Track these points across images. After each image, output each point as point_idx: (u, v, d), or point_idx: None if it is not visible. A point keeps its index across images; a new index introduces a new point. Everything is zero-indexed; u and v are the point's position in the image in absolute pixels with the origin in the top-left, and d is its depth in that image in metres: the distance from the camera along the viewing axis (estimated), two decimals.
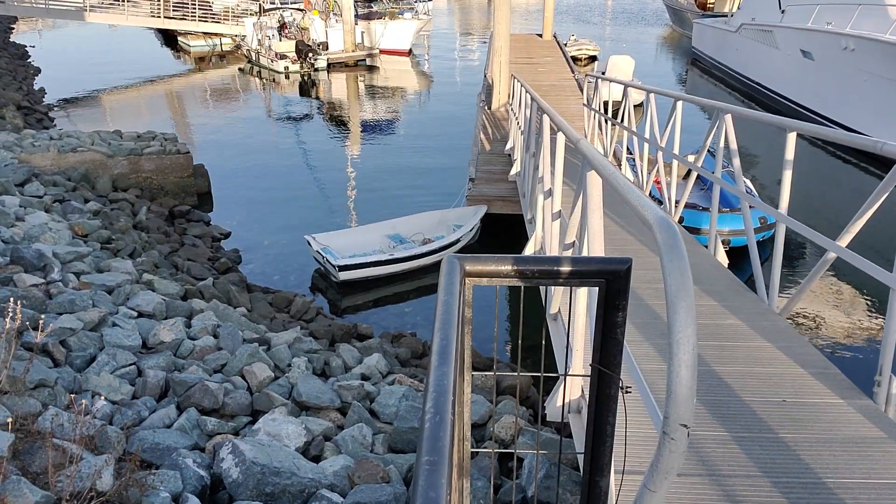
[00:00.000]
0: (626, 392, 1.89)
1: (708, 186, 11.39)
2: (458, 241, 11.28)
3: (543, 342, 2.32)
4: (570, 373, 3.61)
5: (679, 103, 7.83)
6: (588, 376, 1.89)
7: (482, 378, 7.07)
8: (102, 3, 33.63)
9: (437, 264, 11.07)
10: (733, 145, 5.98)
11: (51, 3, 30.75)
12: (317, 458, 4.91)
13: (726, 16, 31.23)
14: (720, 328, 4.65)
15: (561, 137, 5.10)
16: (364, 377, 6.44)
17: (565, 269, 1.76)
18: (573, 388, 3.74)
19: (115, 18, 32.34)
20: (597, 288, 1.79)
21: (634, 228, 7.12)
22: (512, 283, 1.79)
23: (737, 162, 5.93)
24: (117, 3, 32.72)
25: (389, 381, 6.53)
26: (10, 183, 10.30)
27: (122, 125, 16.71)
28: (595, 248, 3.24)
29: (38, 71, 27.67)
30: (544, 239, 6.16)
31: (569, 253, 4.34)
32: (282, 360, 6.34)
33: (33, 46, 33.50)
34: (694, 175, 8.63)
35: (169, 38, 37.02)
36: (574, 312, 3.49)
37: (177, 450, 4.43)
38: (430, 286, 10.80)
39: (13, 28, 38.61)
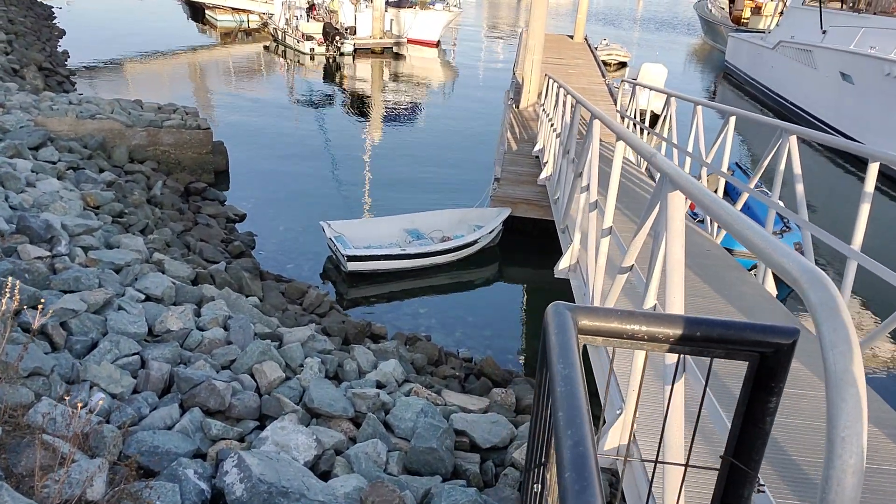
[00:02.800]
0: (759, 492, 1.50)
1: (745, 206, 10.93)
2: (475, 242, 10.89)
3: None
4: (647, 457, 3.18)
5: (731, 119, 7.38)
6: (715, 469, 1.49)
7: (502, 394, 6.67)
8: None
9: (452, 263, 10.77)
10: (797, 169, 5.55)
11: None
12: (326, 475, 4.53)
13: (762, 31, 30.63)
14: (791, 373, 4.22)
15: (620, 146, 4.68)
16: (379, 385, 6.05)
17: (710, 334, 1.36)
18: (624, 432, 3.34)
19: None
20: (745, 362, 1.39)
21: (704, 259, 6.50)
22: (636, 346, 1.39)
23: (800, 188, 5.49)
24: None
25: (405, 390, 6.14)
26: (24, 146, 9.95)
27: (144, 95, 16.34)
28: (674, 281, 2.83)
29: (62, 33, 27.37)
30: (584, 256, 5.75)
31: (623, 279, 3.92)
32: (294, 360, 5.96)
33: (59, 8, 33.21)
34: (721, 191, 8.21)
35: (196, 11, 36.69)
36: (633, 373, 3.07)
37: (177, 456, 4.05)
38: (445, 286, 10.44)
39: None
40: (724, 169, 7.58)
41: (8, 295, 3.96)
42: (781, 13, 29.62)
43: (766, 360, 1.37)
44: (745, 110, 7.44)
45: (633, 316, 1.36)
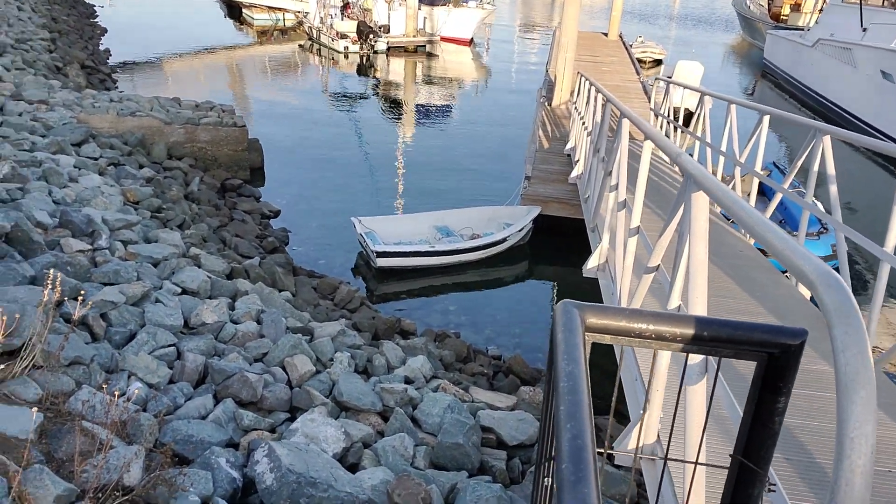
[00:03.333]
0: (770, 491, 1.53)
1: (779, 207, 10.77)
2: (504, 240, 10.92)
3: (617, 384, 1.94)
4: (673, 456, 3.20)
5: (765, 118, 7.28)
6: (725, 468, 1.52)
7: (530, 392, 6.71)
8: None
9: (481, 261, 10.82)
10: (831, 170, 5.47)
11: None
12: (354, 467, 4.62)
13: (801, 29, 30.01)
14: (809, 374, 4.19)
15: (647, 146, 4.68)
16: (408, 380, 6.14)
17: (718, 334, 1.39)
18: (648, 433, 3.36)
19: None
20: (754, 362, 1.42)
21: (736, 260, 6.45)
22: (644, 345, 1.43)
23: (834, 189, 5.41)
24: None
25: (433, 386, 6.21)
26: (67, 142, 10.26)
27: (182, 93, 16.69)
28: (697, 282, 2.84)
29: (104, 31, 28.02)
30: (612, 255, 5.75)
31: (649, 280, 3.93)
32: (324, 354, 6.07)
33: (101, 7, 34.00)
34: (755, 191, 8.09)
35: (233, 10, 37.24)
36: (655, 372, 3.08)
37: (210, 445, 4.18)
38: (474, 283, 10.50)
39: None
40: (759, 168, 7.49)
41: (50, 286, 4.12)
42: (821, 10, 29.01)
43: (775, 361, 1.40)
44: (781, 109, 7.34)
45: (641, 315, 1.40)
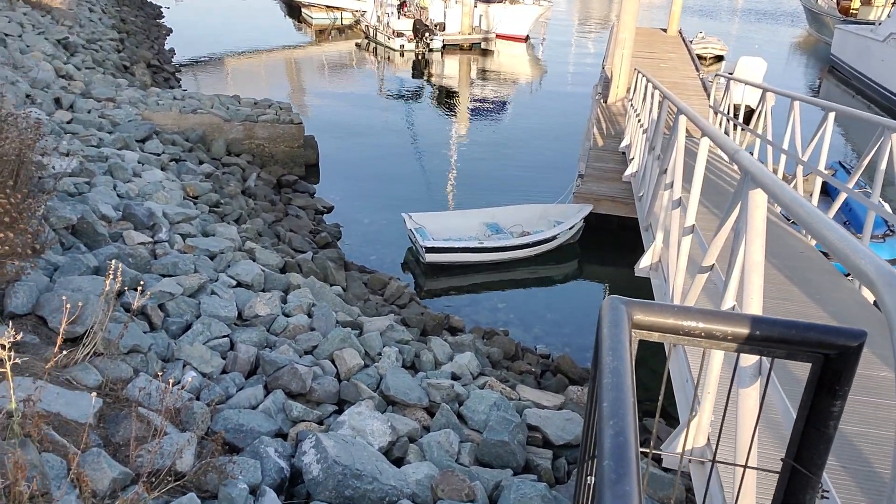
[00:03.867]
0: (824, 498, 1.46)
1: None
2: (554, 238, 10.81)
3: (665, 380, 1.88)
4: (717, 458, 3.12)
5: (831, 115, 7.00)
6: (776, 472, 1.46)
7: (578, 392, 6.62)
8: None
9: (531, 259, 10.74)
10: None
11: None
12: (400, 461, 4.64)
13: (872, 23, 28.75)
14: (872, 381, 4.00)
15: (704, 143, 4.55)
16: (454, 376, 6.13)
17: (770, 333, 1.33)
18: (699, 436, 3.27)
19: None
20: (808, 364, 1.35)
21: (795, 261, 6.21)
22: (693, 343, 1.38)
23: None
24: None
25: (480, 383, 6.19)
26: (132, 139, 10.62)
27: (241, 91, 17.08)
28: (752, 282, 2.75)
29: (169, 31, 28.90)
30: (666, 254, 5.62)
31: (703, 280, 3.82)
32: (372, 348, 6.12)
33: (168, 7, 35.06)
34: (818, 190, 7.77)
35: (293, 9, 37.92)
36: (706, 373, 3.00)
37: (260, 435, 4.27)
38: (524, 281, 10.44)
39: None
40: (822, 167, 7.21)
41: (112, 277, 4.26)
42: (894, 3, 27.75)
43: (831, 363, 1.34)
44: (847, 106, 7.04)
45: (690, 312, 1.35)
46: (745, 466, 1.50)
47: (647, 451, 1.59)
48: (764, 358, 2.70)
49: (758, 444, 2.59)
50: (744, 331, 1.34)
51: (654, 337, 1.39)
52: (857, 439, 3.37)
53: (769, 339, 1.34)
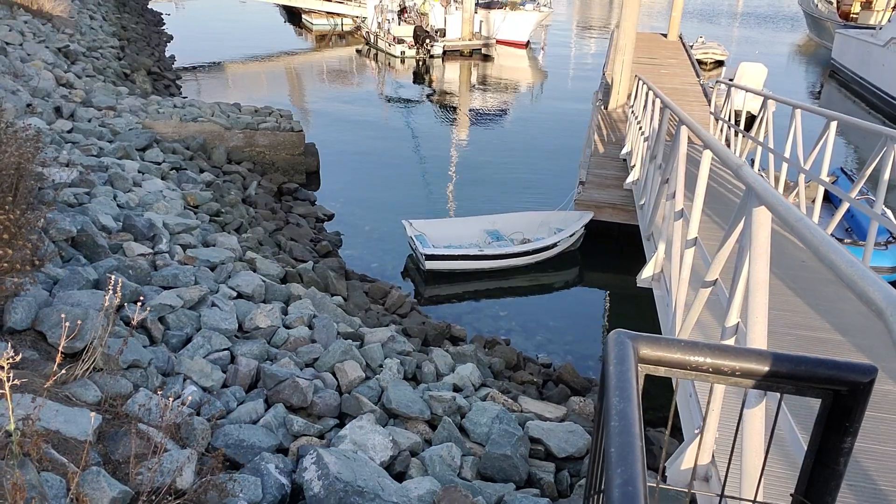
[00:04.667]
0: None
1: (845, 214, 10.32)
2: (554, 245, 10.80)
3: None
4: (730, 488, 3.08)
5: (832, 124, 6.98)
6: None
7: (580, 403, 6.59)
8: None
9: (532, 266, 10.72)
10: None
11: None
12: (401, 476, 4.61)
13: (873, 27, 28.77)
14: (876, 396, 3.97)
15: (706, 155, 4.53)
16: (456, 388, 6.11)
17: (779, 369, 1.31)
18: (703, 454, 3.24)
19: None
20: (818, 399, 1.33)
21: (798, 271, 6.18)
22: (701, 378, 1.36)
23: None
24: None
25: (482, 395, 6.16)
26: (132, 147, 10.61)
27: (242, 98, 17.09)
28: (757, 301, 2.72)
29: (170, 38, 28.94)
30: (668, 266, 5.60)
31: (706, 294, 3.79)
32: (374, 360, 6.10)
33: (168, 14, 35.13)
34: (820, 198, 7.74)
35: (293, 16, 37.97)
36: (712, 399, 2.96)
37: (261, 451, 4.24)
38: (525, 289, 10.42)
39: None
40: (824, 176, 7.19)
41: (111, 291, 4.24)
42: (894, 7, 27.78)
43: (841, 399, 1.31)
44: (849, 112, 7.04)
45: (698, 347, 1.33)
46: (755, 502, 1.47)
47: (654, 483, 1.57)
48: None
49: (766, 473, 2.56)
50: (752, 366, 1.31)
51: (661, 372, 1.37)
52: (862, 455, 3.34)
53: (778, 374, 1.31)
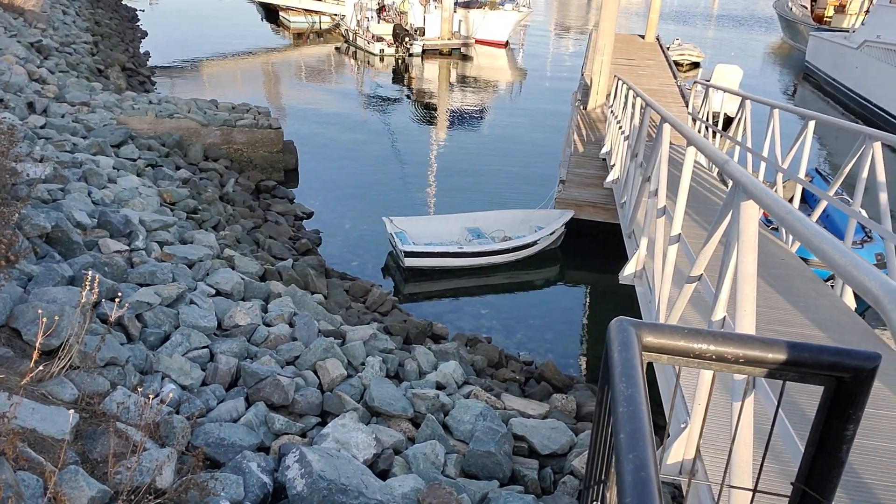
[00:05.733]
0: None
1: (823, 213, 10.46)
2: (534, 243, 10.82)
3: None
4: (714, 476, 3.09)
5: (811, 123, 7.07)
6: (786, 496, 1.43)
7: (562, 400, 6.59)
8: None
9: (513, 264, 10.73)
10: (882, 177, 5.28)
11: None
12: (385, 473, 4.57)
13: (846, 31, 29.28)
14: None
15: (690, 152, 4.55)
16: (439, 386, 6.07)
17: (781, 356, 1.30)
18: (689, 448, 3.24)
19: None
20: (821, 387, 1.32)
21: (778, 269, 6.24)
22: (704, 366, 1.34)
23: (884, 197, 5.22)
24: None
25: (465, 392, 6.14)
26: (107, 143, 10.42)
27: (219, 95, 16.89)
28: (745, 294, 2.73)
29: (144, 34, 28.53)
30: (651, 263, 5.62)
31: (691, 289, 3.81)
32: (356, 358, 6.04)
33: (143, 10, 34.63)
34: (798, 198, 7.84)
35: (270, 13, 37.66)
36: (698, 387, 2.97)
37: (242, 449, 4.17)
38: (507, 286, 10.43)
39: None
40: (802, 175, 7.28)
41: (88, 287, 4.14)
42: (867, 11, 28.28)
43: (844, 386, 1.31)
44: (825, 114, 7.13)
45: (701, 335, 1.31)
46: (755, 490, 1.46)
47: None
48: (764, 380, 2.69)
49: (753, 465, 2.57)
50: (756, 354, 1.30)
51: (664, 360, 1.35)
52: (859, 450, 3.37)
53: (781, 362, 1.30)
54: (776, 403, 1.44)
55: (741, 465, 2.50)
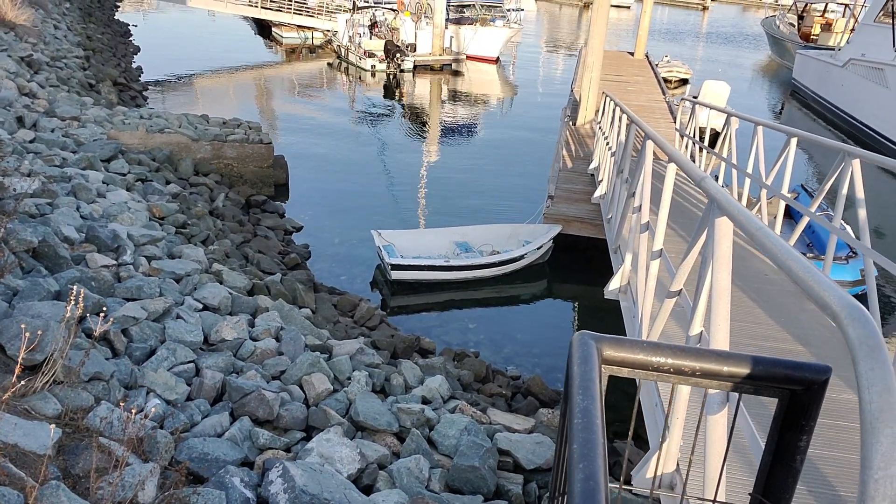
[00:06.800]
0: None
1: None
2: (521, 257, 10.89)
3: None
4: (692, 489, 3.13)
5: (793, 140, 7.17)
6: None
7: (549, 415, 6.62)
8: None
9: (501, 278, 10.78)
10: (860, 194, 5.35)
11: None
12: (369, 489, 4.58)
13: (832, 49, 29.69)
14: (835, 405, 4.06)
15: (671, 168, 4.62)
16: (425, 400, 6.09)
17: (738, 370, 1.34)
18: (668, 462, 3.27)
19: (215, 5, 33.23)
20: (775, 399, 1.36)
21: (761, 284, 6.36)
22: (662, 378, 1.38)
23: (863, 213, 5.30)
24: None
25: (451, 407, 6.15)
26: (97, 158, 10.44)
27: (210, 110, 16.94)
28: (719, 309, 2.78)
29: (137, 49, 28.59)
30: (634, 278, 5.68)
31: (671, 304, 3.86)
32: (342, 373, 6.05)
33: (135, 25, 34.72)
34: (781, 213, 7.94)
35: (263, 29, 37.83)
36: (675, 402, 3.02)
37: (226, 464, 4.17)
38: (494, 300, 10.47)
39: (118, 6, 40.18)
40: (786, 191, 7.37)
41: (73, 302, 4.16)
42: (853, 30, 28.70)
43: (797, 398, 1.35)
44: (810, 130, 7.24)
45: (660, 348, 1.35)
46: (715, 501, 1.50)
47: (617, 485, 1.60)
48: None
49: (727, 476, 2.61)
50: (712, 367, 1.35)
51: (624, 373, 1.39)
52: (819, 462, 3.41)
53: (736, 375, 1.35)
54: (734, 414, 1.48)
55: (713, 478, 2.53)
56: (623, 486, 1.53)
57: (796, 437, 1.36)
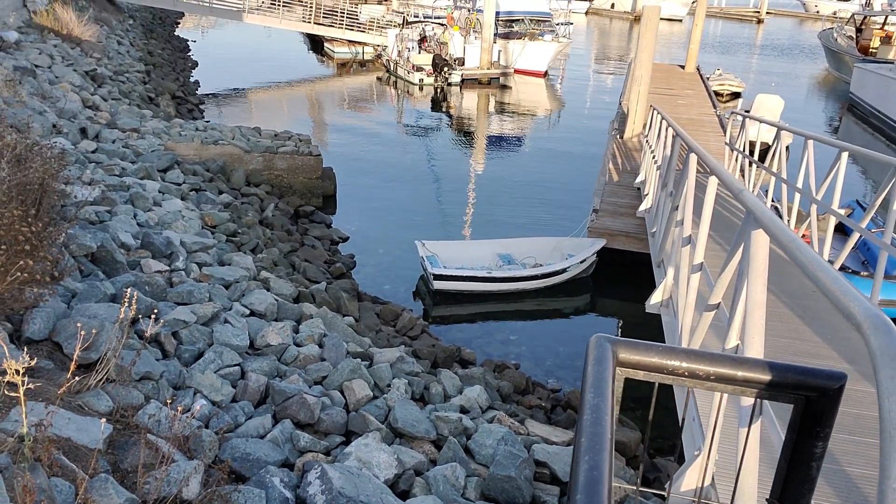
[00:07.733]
0: None
1: (857, 245, 10.25)
2: (564, 270, 10.84)
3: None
4: (724, 497, 3.11)
5: (844, 154, 7.01)
6: None
7: None
8: (260, 6, 35.67)
9: (544, 291, 10.75)
10: None
11: (214, 3, 32.89)
12: (405, 494, 4.64)
13: (891, 62, 28.78)
14: (862, 418, 3.95)
15: (712, 181, 4.59)
16: (463, 410, 6.13)
17: (752, 375, 1.36)
18: (705, 475, 3.25)
19: (271, 21, 34.11)
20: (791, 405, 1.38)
21: (806, 300, 6.23)
22: (677, 382, 1.41)
23: None
24: (274, 7, 34.56)
25: (489, 416, 6.18)
26: (154, 168, 10.84)
27: (263, 122, 17.40)
28: (754, 322, 2.77)
29: (195, 64, 29.56)
30: (676, 291, 5.63)
31: (710, 317, 3.83)
32: (382, 380, 6.15)
33: (194, 41, 35.91)
34: (831, 229, 7.73)
35: (316, 44, 38.66)
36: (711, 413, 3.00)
37: (266, 464, 4.29)
38: (537, 313, 10.45)
39: (179, 23, 41.61)
40: (836, 206, 7.20)
41: (127, 304, 4.35)
42: None
43: (812, 404, 1.36)
44: (866, 147, 7.06)
45: (674, 352, 1.39)
46: None
47: (663, 493, 1.64)
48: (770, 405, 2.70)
49: (759, 483, 2.58)
50: (726, 371, 1.37)
51: (640, 375, 1.43)
52: (838, 475, 3.33)
53: (750, 380, 1.37)
54: (750, 419, 1.49)
55: (748, 490, 2.52)
56: (640, 488, 1.55)
57: (812, 444, 1.37)
